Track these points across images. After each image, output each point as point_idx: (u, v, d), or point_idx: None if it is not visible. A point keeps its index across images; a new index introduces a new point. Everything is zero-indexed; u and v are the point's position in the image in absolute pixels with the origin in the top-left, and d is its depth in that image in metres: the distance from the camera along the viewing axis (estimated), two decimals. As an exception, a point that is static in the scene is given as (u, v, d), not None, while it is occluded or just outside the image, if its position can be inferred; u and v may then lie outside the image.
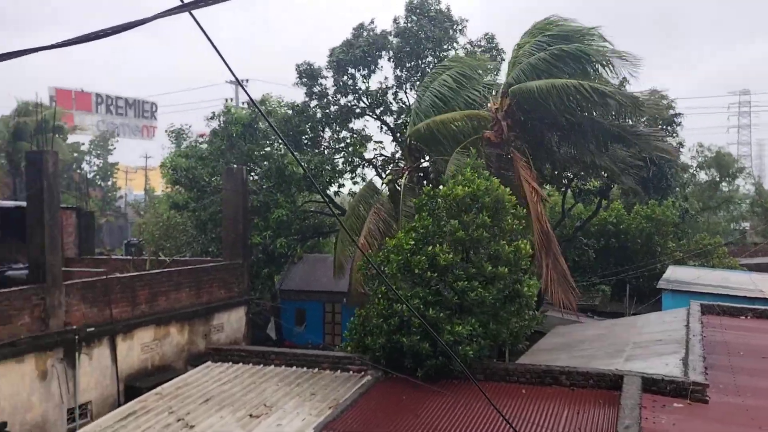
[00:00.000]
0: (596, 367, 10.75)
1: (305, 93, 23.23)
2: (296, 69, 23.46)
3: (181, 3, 3.38)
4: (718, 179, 41.00)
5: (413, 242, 11.38)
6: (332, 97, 23.19)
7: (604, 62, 14.91)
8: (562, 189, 23.96)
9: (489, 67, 19.48)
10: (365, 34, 23.18)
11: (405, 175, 17.00)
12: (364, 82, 23.41)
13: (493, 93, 16.52)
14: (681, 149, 30.04)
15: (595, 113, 15.74)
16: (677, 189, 31.70)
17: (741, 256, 30.50)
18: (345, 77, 23.08)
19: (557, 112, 15.12)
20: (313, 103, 23.25)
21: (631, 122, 16.63)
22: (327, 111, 23.24)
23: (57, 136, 32.65)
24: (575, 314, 16.29)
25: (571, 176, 21.40)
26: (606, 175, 18.36)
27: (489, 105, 15.76)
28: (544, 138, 16.59)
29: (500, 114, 15.51)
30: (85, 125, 51.50)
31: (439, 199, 12.07)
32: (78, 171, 43.26)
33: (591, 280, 27.71)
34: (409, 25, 23.26)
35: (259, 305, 20.68)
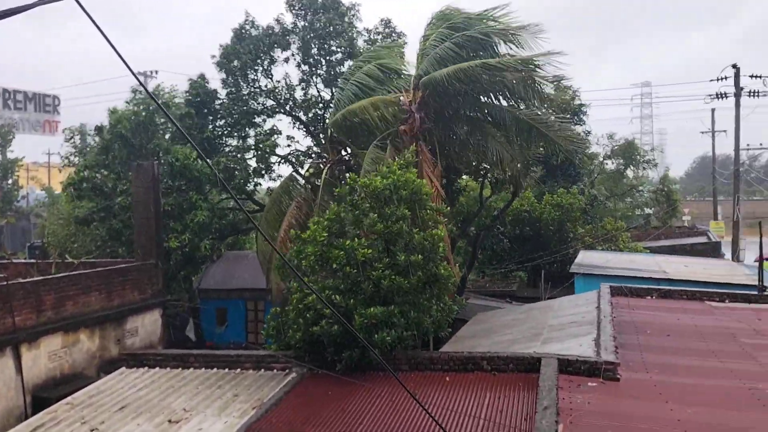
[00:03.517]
0: (515, 351, 11.05)
1: (197, 113, 22.58)
2: (190, 86, 22.78)
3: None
4: (623, 168, 43.13)
5: (327, 234, 11.26)
6: (233, 106, 22.72)
7: (509, 37, 15.21)
8: (480, 179, 24.53)
9: (406, 58, 19.64)
10: (250, 33, 22.92)
11: (326, 168, 16.88)
12: (266, 79, 23.20)
13: (407, 85, 16.64)
14: (588, 138, 31.42)
15: (503, 102, 16.02)
16: (585, 177, 33.29)
17: (644, 240, 32.23)
18: (243, 82, 22.75)
19: (467, 101, 15.32)
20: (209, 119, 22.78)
21: (540, 112, 16.91)
22: (226, 121, 22.83)
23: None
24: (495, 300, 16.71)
25: (488, 167, 21.91)
26: (518, 166, 18.83)
27: (403, 98, 15.87)
28: (457, 130, 16.82)
29: (414, 107, 15.63)
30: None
31: (357, 189, 12.01)
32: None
33: (508, 267, 28.61)
34: (297, 21, 23.19)
35: (176, 307, 20.00)
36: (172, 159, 19.47)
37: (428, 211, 12.00)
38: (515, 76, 14.76)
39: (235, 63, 22.31)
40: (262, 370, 11.56)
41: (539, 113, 16.53)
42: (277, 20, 23.20)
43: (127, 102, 22.45)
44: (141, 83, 4.16)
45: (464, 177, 23.96)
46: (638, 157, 42.91)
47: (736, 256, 30.84)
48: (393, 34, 23.58)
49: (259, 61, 22.88)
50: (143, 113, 21.21)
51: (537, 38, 14.72)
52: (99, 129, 21.62)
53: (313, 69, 23.50)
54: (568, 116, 25.18)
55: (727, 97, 32.94)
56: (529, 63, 14.78)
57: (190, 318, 23.26)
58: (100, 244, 22.06)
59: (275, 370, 11.43)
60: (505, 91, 15.27)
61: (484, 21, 16.05)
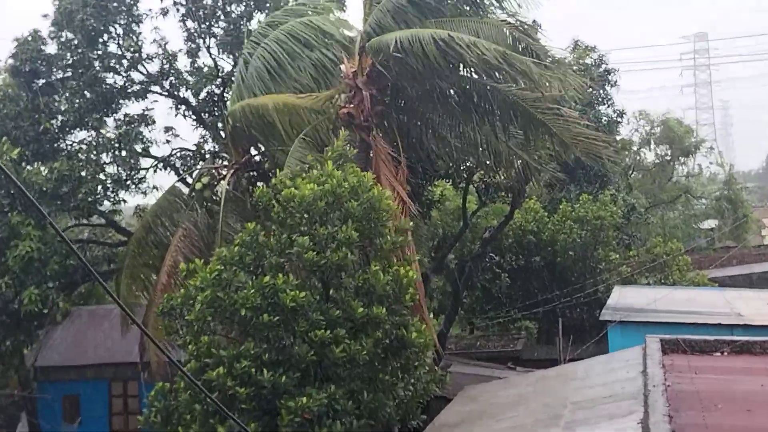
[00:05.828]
0: (524, 446, 11.06)
1: (25, 92, 22.17)
2: (16, 48, 22.41)
3: None
4: (669, 159, 43.58)
5: (222, 268, 11.19)
6: (79, 81, 22.35)
7: None
8: (461, 185, 24.59)
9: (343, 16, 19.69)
10: None
11: (227, 176, 16.71)
12: (129, 41, 22.94)
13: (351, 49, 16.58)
14: (620, 120, 31.92)
15: (490, 77, 15.89)
16: (617, 177, 33.55)
17: (709, 267, 32.86)
18: (91, 47, 22.43)
19: (438, 73, 15.32)
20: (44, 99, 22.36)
21: (544, 93, 16.14)
22: (72, 104, 22.43)
23: None
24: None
25: (472, 167, 21.96)
26: (518, 165, 18.74)
27: (343, 67, 15.83)
28: (425, 115, 16.82)
29: (360, 80, 15.55)
30: None
31: (276, 204, 11.94)
32: None
33: (509, 316, 28.65)
34: None
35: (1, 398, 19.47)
36: None
37: (388, 234, 11.96)
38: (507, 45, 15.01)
39: (79, 18, 21.89)
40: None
41: (542, 97, 15.90)
42: None
43: None
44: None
45: (438, 183, 24.02)
46: (690, 140, 43.41)
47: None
48: None
49: (117, 14, 22.56)
50: None
51: None
52: None
53: (206, 26, 23.35)
54: (591, 87, 25.55)
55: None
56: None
57: (22, 413, 22.70)
58: None
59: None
60: (499, 66, 15.08)
61: None
